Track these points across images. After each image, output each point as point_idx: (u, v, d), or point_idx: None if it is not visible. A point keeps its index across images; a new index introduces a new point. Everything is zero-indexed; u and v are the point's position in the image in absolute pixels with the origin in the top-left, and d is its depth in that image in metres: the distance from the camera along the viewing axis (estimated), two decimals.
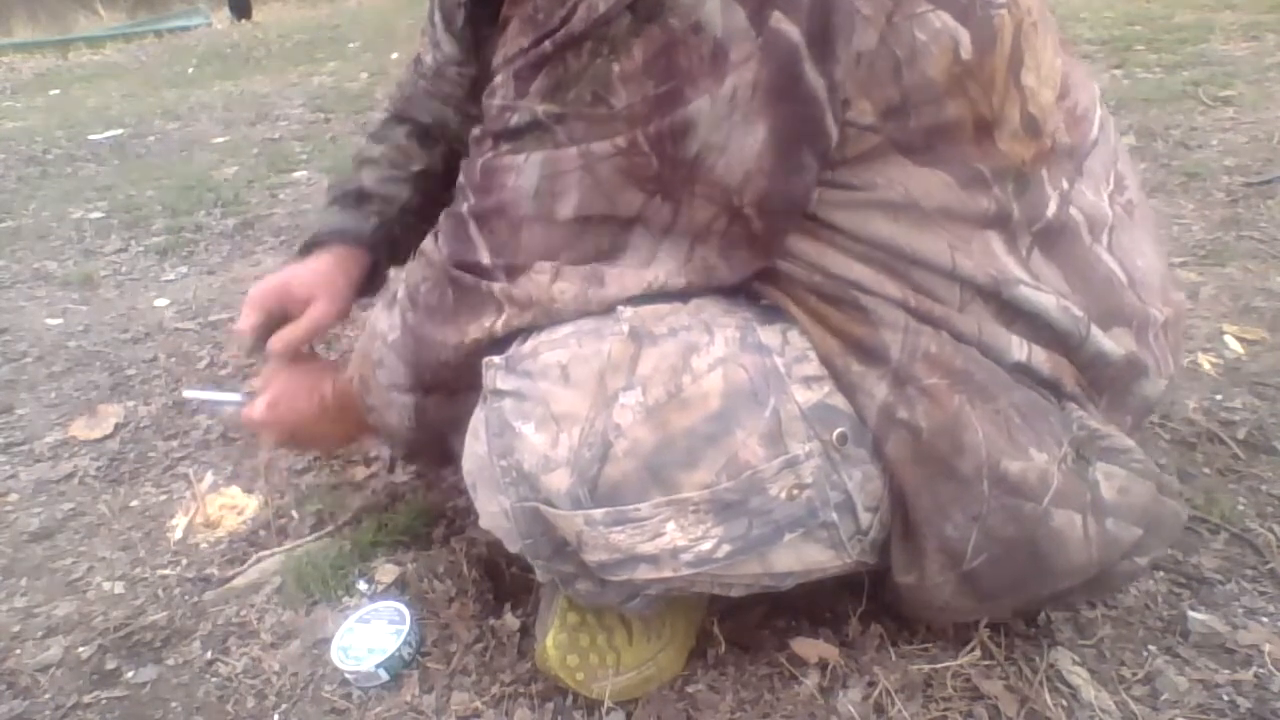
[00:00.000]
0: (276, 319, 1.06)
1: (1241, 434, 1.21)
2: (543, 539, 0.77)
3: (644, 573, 0.75)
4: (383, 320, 0.86)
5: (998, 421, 0.75)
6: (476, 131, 0.77)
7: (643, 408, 0.70)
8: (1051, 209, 0.76)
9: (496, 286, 0.75)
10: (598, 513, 0.72)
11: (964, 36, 0.69)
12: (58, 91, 5.48)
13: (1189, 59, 3.02)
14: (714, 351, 0.72)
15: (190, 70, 5.80)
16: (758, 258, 0.75)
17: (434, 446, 0.92)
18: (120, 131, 4.00)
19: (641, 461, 0.71)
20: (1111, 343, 0.79)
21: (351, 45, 5.97)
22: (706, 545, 0.73)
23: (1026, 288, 0.76)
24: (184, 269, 2.33)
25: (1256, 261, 1.68)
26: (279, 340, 1.05)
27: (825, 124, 0.68)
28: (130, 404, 1.65)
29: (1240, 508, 1.09)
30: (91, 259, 2.45)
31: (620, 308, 0.74)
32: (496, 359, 0.75)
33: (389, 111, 1.21)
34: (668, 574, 0.75)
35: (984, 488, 0.75)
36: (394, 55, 5.26)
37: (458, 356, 0.79)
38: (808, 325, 0.75)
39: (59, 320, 2.06)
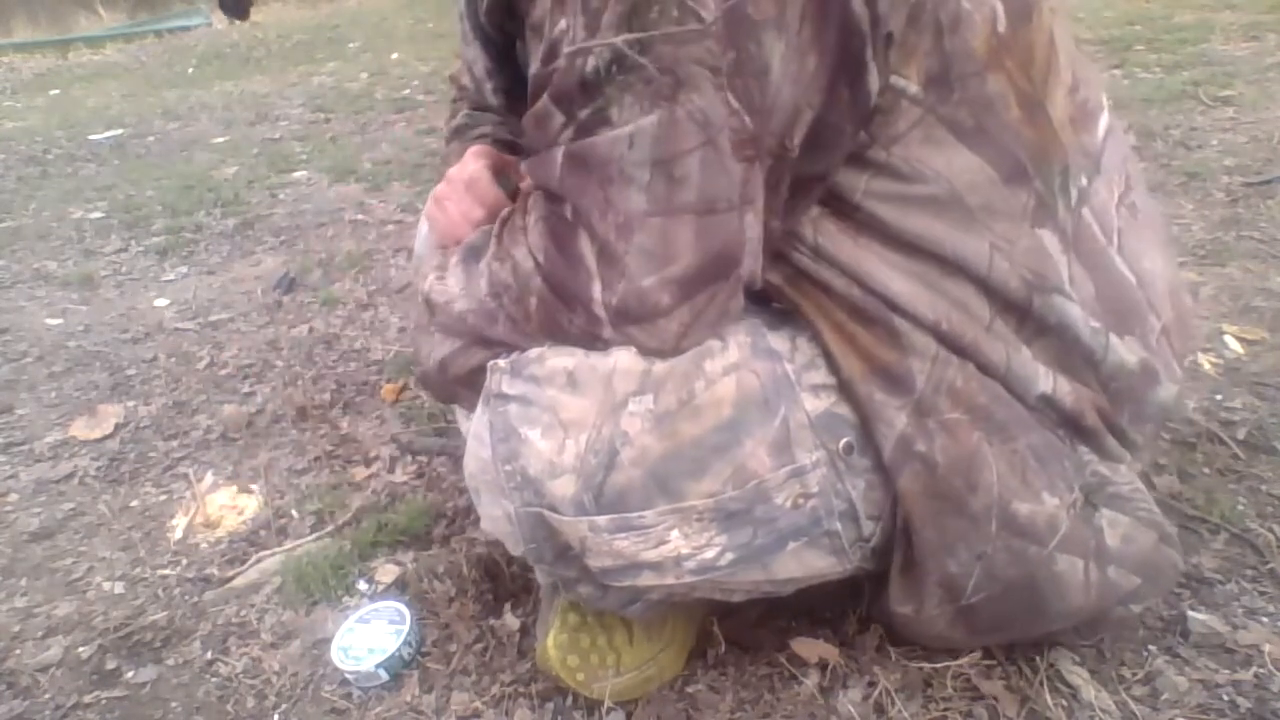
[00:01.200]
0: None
1: (1241, 434, 1.21)
2: (546, 544, 0.77)
3: (647, 579, 0.75)
4: (458, 280, 0.77)
5: (1013, 462, 0.75)
6: (538, 108, 0.66)
7: (652, 415, 0.70)
8: (1073, 205, 0.76)
9: (607, 333, 0.70)
10: (602, 520, 0.72)
11: (1000, 8, 0.69)
12: (58, 91, 5.48)
13: (1189, 59, 3.02)
14: (728, 356, 0.72)
15: (190, 70, 5.80)
16: (806, 201, 0.71)
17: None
18: (120, 131, 4.00)
19: (648, 470, 0.71)
20: (1127, 351, 0.79)
21: (351, 45, 5.97)
22: (710, 553, 0.73)
23: (1059, 296, 0.75)
24: (184, 269, 2.33)
25: (1256, 261, 1.68)
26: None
27: (865, 58, 0.65)
28: (130, 404, 1.65)
29: (1240, 508, 1.09)
30: (91, 259, 2.45)
31: None
32: (501, 362, 0.74)
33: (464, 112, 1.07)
34: (670, 581, 0.75)
35: (992, 527, 0.75)
36: (394, 55, 5.27)
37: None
38: (834, 346, 0.74)
39: (59, 320, 2.06)
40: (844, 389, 0.74)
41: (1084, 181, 0.77)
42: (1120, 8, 3.85)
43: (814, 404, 0.74)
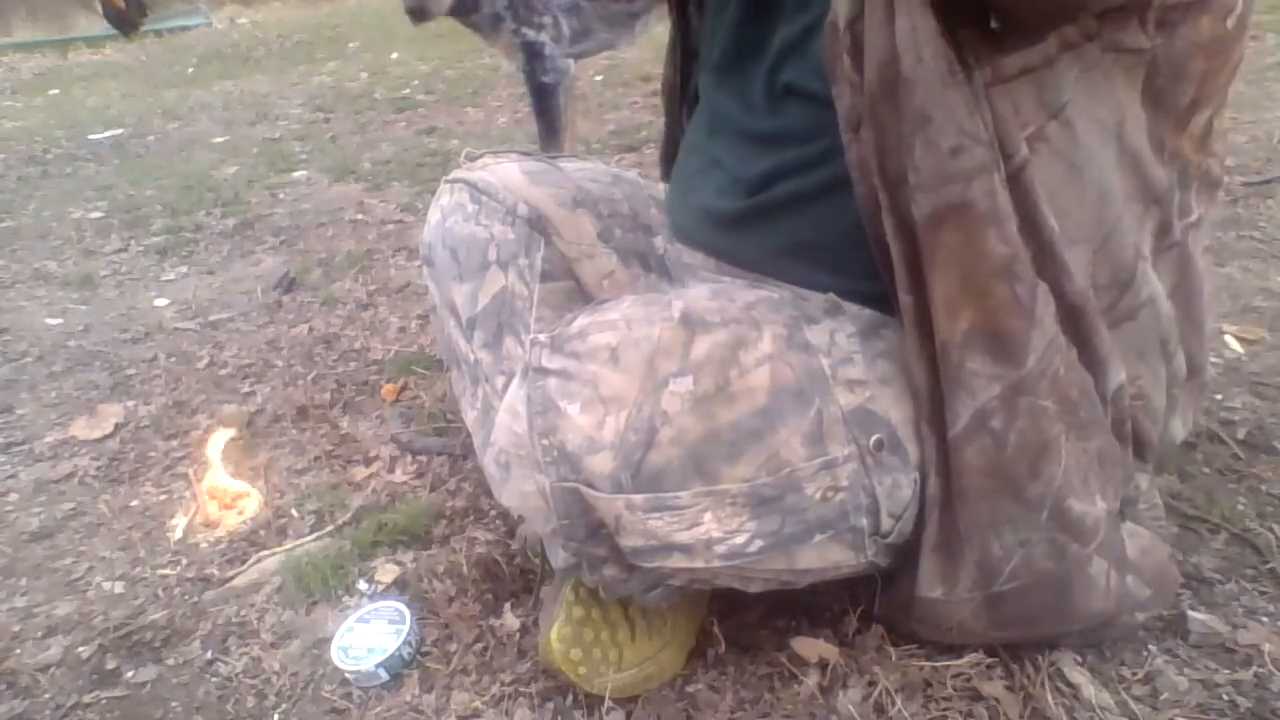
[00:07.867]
0: None
1: (1241, 434, 1.21)
2: (579, 521, 0.76)
3: (677, 561, 0.75)
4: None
5: (1082, 461, 0.76)
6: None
7: (691, 397, 0.70)
8: (1179, 228, 0.79)
9: None
10: (639, 498, 0.72)
11: (1240, 6, 0.71)
12: (58, 91, 5.49)
13: None
14: (762, 348, 0.73)
15: (190, 70, 5.80)
16: None
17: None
18: (120, 131, 4.00)
19: (686, 450, 0.71)
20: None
21: (351, 45, 5.97)
22: (740, 539, 0.74)
23: (1148, 265, 0.78)
24: (184, 269, 2.33)
25: (1256, 261, 1.68)
26: None
27: None
28: (130, 404, 1.65)
29: (1240, 508, 1.09)
30: (91, 259, 2.45)
31: (671, 298, 0.74)
32: (542, 336, 0.74)
33: None
34: (700, 564, 0.75)
35: (1042, 516, 0.76)
36: (394, 55, 5.27)
37: None
38: (944, 306, 0.71)
39: (59, 320, 2.06)
40: (932, 356, 0.73)
41: (1201, 211, 0.82)
42: None
43: (848, 399, 0.74)
